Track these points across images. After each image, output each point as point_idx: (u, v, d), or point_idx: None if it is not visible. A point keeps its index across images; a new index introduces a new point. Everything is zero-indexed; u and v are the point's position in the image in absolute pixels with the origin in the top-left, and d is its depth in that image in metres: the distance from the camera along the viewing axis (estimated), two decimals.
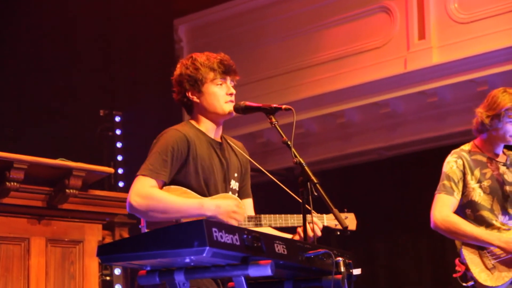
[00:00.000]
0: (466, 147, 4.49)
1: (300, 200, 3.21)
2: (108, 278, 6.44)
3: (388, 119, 8.72)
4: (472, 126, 4.49)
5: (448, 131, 8.27)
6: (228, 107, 3.50)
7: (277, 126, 3.40)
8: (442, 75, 8.05)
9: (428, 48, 8.15)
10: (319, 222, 3.45)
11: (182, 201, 3.29)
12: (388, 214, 8.83)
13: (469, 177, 4.37)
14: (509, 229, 4.33)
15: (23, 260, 4.40)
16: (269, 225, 3.44)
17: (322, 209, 3.38)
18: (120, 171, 7.99)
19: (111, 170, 4.90)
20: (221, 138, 3.58)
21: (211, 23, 9.66)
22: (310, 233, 3.32)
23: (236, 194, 3.54)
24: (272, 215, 3.44)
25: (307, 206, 3.21)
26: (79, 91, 8.21)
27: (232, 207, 3.34)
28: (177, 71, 3.56)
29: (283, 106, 3.43)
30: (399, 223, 8.80)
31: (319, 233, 3.42)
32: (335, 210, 3.22)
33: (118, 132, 8.18)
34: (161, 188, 3.34)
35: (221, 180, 3.47)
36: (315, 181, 3.19)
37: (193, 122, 3.54)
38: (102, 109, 8.22)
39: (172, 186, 3.37)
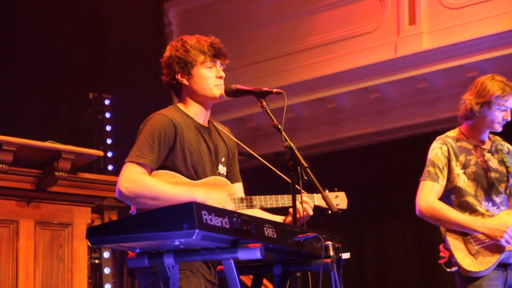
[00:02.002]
0: (452, 133, 4.49)
1: (290, 181, 3.22)
2: (97, 261, 6.43)
3: (378, 104, 8.74)
4: (459, 113, 4.50)
5: (438, 116, 8.29)
6: (217, 91, 3.49)
7: (268, 110, 3.40)
8: (432, 60, 8.06)
9: (419, 34, 8.15)
10: (309, 201, 3.45)
11: (172, 189, 3.28)
12: (377, 199, 8.87)
13: (454, 163, 4.38)
14: (492, 216, 4.36)
15: (11, 242, 4.39)
16: (260, 206, 3.45)
17: (313, 190, 3.39)
18: (109, 154, 7.98)
19: (100, 153, 4.88)
20: (208, 122, 3.57)
21: (201, 6, 9.63)
22: (301, 213, 3.33)
23: None
24: (263, 196, 3.44)
25: (296, 186, 3.22)
26: (69, 74, 8.18)
27: (221, 201, 3.32)
28: (166, 53, 3.54)
29: (274, 90, 3.43)
30: (388, 208, 8.84)
31: (311, 212, 3.43)
32: (325, 194, 3.23)
33: (107, 115, 8.17)
34: (149, 174, 3.33)
35: (209, 165, 3.47)
36: (305, 165, 3.19)
37: (180, 105, 3.53)
38: (91, 92, 8.20)
39: (161, 171, 3.36)
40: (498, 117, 4.37)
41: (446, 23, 8.03)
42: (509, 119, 4.41)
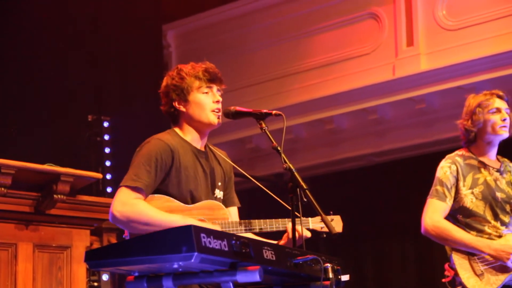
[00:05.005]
0: (460, 151, 4.49)
1: (285, 205, 3.22)
2: (95, 284, 6.41)
3: (376, 125, 8.75)
4: (461, 137, 4.52)
5: (436, 137, 8.30)
6: (214, 118, 3.49)
7: (267, 132, 3.41)
8: (430, 81, 8.09)
9: (416, 55, 8.18)
10: (305, 231, 3.43)
11: (165, 216, 3.27)
12: (377, 220, 8.85)
13: (461, 183, 4.38)
14: (500, 236, 4.34)
15: (10, 265, 4.38)
16: (259, 230, 3.44)
17: (309, 212, 3.38)
18: (108, 176, 7.97)
19: (99, 175, 4.89)
20: (205, 147, 3.57)
21: (200, 28, 9.67)
22: (300, 234, 3.32)
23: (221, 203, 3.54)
24: (262, 220, 3.44)
25: (296, 213, 3.22)
26: (68, 96, 8.18)
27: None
28: (163, 83, 3.56)
29: (274, 112, 3.44)
30: (388, 229, 8.81)
31: (308, 234, 3.42)
32: (325, 216, 3.22)
33: (106, 137, 8.17)
34: (144, 198, 3.32)
35: (205, 189, 3.46)
36: (305, 187, 3.19)
37: (177, 130, 3.53)
38: (90, 114, 8.21)
39: (156, 195, 3.36)
40: (495, 120, 4.39)
41: (444, 45, 8.07)
42: (507, 117, 4.41)
